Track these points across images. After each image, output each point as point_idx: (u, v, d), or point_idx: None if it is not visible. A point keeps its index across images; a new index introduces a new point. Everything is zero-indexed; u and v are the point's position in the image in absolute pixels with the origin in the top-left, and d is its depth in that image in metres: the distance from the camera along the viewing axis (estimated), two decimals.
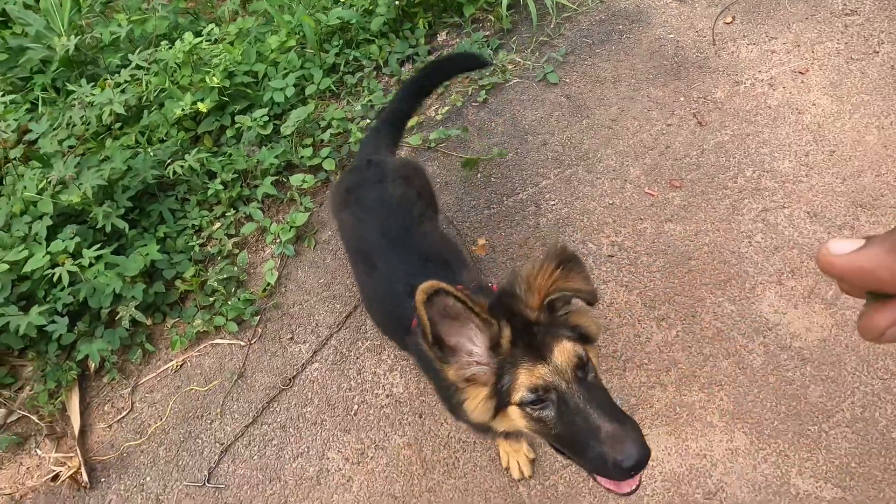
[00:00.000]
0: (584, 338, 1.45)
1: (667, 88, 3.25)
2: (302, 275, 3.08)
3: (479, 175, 3.20)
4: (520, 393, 1.36)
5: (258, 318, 2.97)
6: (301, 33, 3.82)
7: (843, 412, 2.25)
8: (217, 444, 2.68)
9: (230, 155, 3.37)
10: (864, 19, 3.24)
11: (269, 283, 3.03)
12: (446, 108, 3.47)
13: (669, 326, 2.55)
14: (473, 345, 1.39)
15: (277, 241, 3.14)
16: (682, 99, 3.19)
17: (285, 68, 3.70)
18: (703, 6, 3.54)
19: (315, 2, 3.99)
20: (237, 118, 3.49)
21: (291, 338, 2.90)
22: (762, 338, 2.45)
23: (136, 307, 2.87)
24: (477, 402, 1.41)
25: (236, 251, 3.17)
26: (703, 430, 2.30)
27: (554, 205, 3.00)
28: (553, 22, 3.68)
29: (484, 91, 3.48)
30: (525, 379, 1.35)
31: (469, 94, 3.52)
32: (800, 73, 3.13)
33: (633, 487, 1.38)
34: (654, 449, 2.30)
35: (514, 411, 1.40)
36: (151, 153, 3.33)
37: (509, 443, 2.23)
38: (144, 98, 3.56)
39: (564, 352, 1.36)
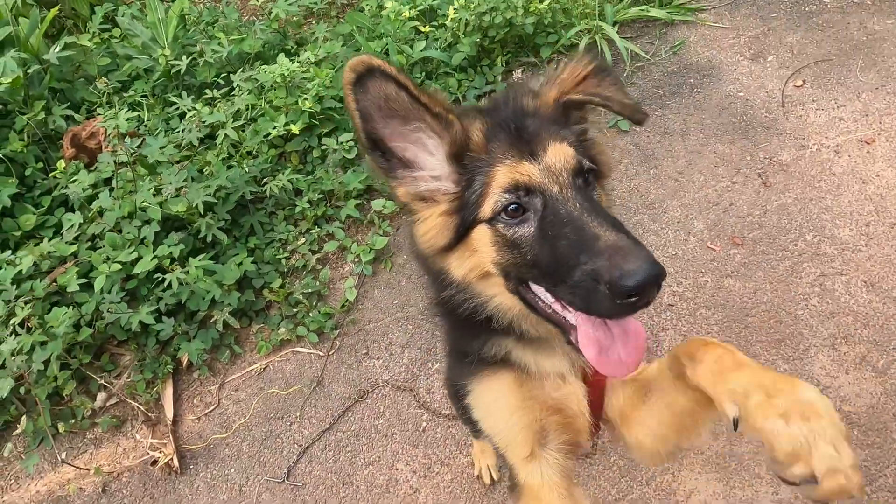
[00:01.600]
0: (596, 167, 1.20)
1: (734, 146, 3.41)
2: (378, 294, 3.34)
3: None
4: (493, 197, 1.06)
5: (337, 331, 3.23)
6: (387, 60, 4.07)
7: (885, 477, 2.40)
8: (296, 445, 2.95)
9: (318, 175, 3.65)
10: None
11: (347, 300, 3.30)
12: None
13: None
14: (429, 154, 1.11)
15: (357, 260, 3.41)
16: (748, 158, 3.35)
17: None
18: (774, 67, 3.69)
19: (401, 34, 4.25)
20: (324, 140, 3.77)
21: (366, 353, 3.16)
22: None
23: (229, 312, 3.16)
24: (432, 222, 1.12)
25: (319, 266, 3.44)
26: (750, 481, 2.48)
27: None
28: (627, 70, 3.86)
29: None
30: (504, 177, 1.06)
31: None
32: (866, 142, 3.26)
33: (627, 367, 1.02)
34: (702, 493, 2.49)
35: (481, 235, 1.09)
36: (246, 168, 3.63)
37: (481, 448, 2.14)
38: (243, 116, 3.87)
39: (561, 152, 1.08)
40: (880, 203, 3.06)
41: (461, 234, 1.10)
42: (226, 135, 3.41)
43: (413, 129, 1.08)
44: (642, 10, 4.07)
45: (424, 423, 2.90)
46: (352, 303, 3.30)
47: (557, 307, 1.07)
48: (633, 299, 0.92)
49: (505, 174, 1.05)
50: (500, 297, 1.16)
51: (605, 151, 1.26)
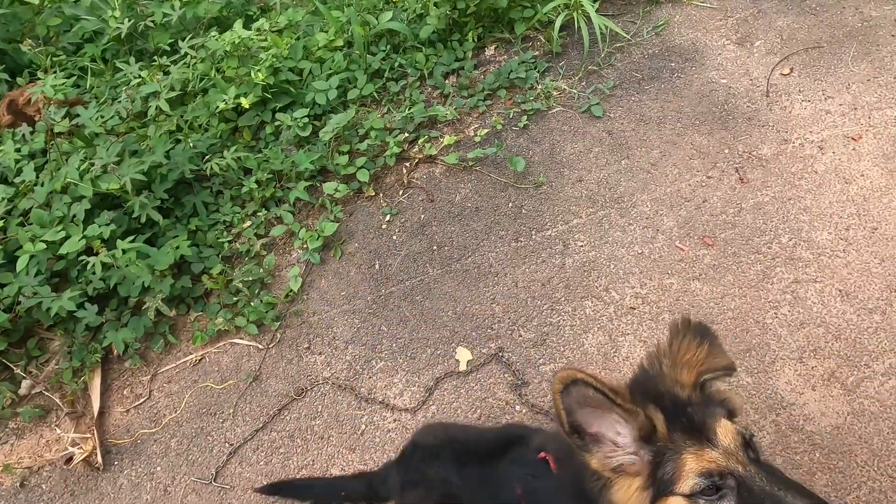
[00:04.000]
0: (730, 414, 1.38)
1: (712, 137, 3.18)
2: (325, 284, 3.13)
3: (510, 204, 3.19)
4: (689, 481, 1.26)
5: (278, 323, 3.03)
6: (349, 32, 3.79)
7: None
8: (227, 445, 2.77)
9: (266, 154, 3.40)
10: None
11: (292, 290, 3.09)
12: (486, 129, 3.45)
13: None
14: (618, 434, 1.33)
15: (305, 247, 3.19)
16: (726, 151, 3.12)
17: (330, 68, 3.70)
18: (761, 53, 3.44)
19: (366, 3, 3.96)
20: (278, 115, 3.52)
21: (308, 347, 2.96)
22: (775, 415, 2.44)
23: (162, 299, 2.95)
24: (630, 494, 1.32)
25: (264, 252, 3.22)
26: None
27: (582, 246, 2.99)
28: (604, 51, 3.60)
29: (525, 116, 3.45)
30: (694, 465, 1.26)
31: (511, 116, 3.49)
32: (852, 138, 3.04)
33: None
34: None
35: (676, 502, 1.29)
36: (191, 144, 3.38)
37: None
38: (190, 86, 3.60)
39: (728, 432, 1.29)
40: (863, 205, 2.85)
41: (656, 500, 1.29)
42: (158, 107, 3.14)
43: (605, 417, 1.30)
44: None
45: (363, 426, 2.71)
46: (296, 293, 3.09)
47: None
48: None
49: (694, 462, 1.25)
50: None
51: (734, 395, 1.42)
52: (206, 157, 3.28)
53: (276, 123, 3.54)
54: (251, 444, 2.76)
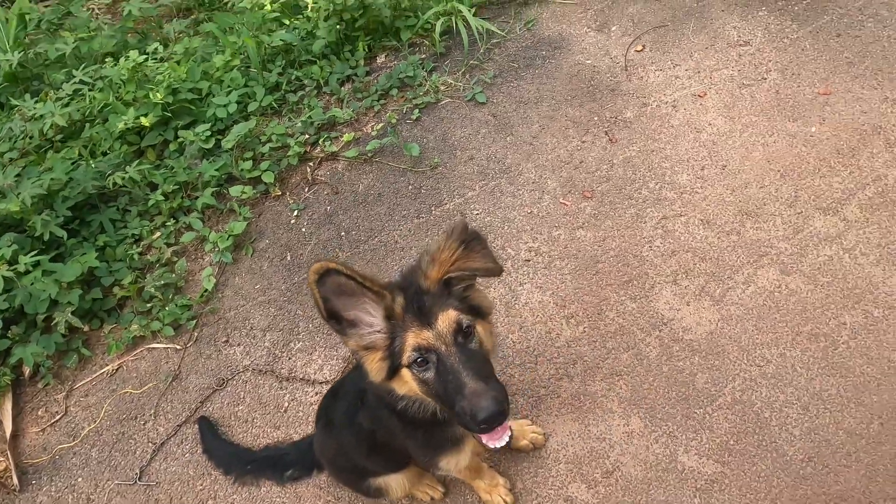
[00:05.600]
0: (478, 312, 1.65)
1: (583, 109, 3.54)
2: (239, 281, 3.22)
3: (409, 187, 3.41)
4: (407, 353, 1.55)
5: (195, 322, 3.08)
6: (246, 54, 3.99)
7: (724, 396, 2.50)
8: (150, 444, 2.77)
9: (172, 167, 3.50)
10: (755, 49, 3.62)
11: (206, 290, 3.15)
12: (381, 124, 3.69)
13: (577, 323, 2.79)
14: (371, 316, 1.56)
15: (216, 249, 3.27)
16: (595, 118, 3.49)
17: (229, 86, 3.87)
18: (617, 35, 3.88)
19: (260, 24, 4.19)
20: (180, 133, 3.63)
21: (227, 340, 3.02)
22: (658, 332, 2.70)
23: (72, 313, 2.95)
24: (375, 364, 1.59)
25: (175, 259, 3.28)
26: (603, 416, 2.52)
27: (478, 214, 3.23)
28: (483, 48, 3.96)
29: (417, 109, 3.72)
30: (412, 340, 1.54)
31: (404, 111, 3.75)
32: (699, 96, 3.47)
33: (500, 444, 1.59)
34: (559, 434, 2.51)
35: (406, 374, 1.59)
36: (94, 165, 3.43)
37: (485, 482, 2.34)
38: (88, 112, 3.67)
39: (447, 319, 1.55)
40: (713, 148, 3.24)
41: (393, 371, 1.59)
42: (55, 125, 3.20)
43: (359, 301, 1.54)
44: None
45: (287, 404, 2.79)
46: (211, 292, 3.16)
47: None
48: (485, 426, 1.50)
49: (412, 338, 1.54)
50: (433, 402, 1.66)
51: (485, 298, 1.72)
52: (110, 174, 3.34)
53: (180, 140, 3.66)
54: (175, 439, 2.77)
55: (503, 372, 2.69)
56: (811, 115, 3.27)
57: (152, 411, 2.86)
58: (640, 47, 3.79)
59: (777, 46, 3.60)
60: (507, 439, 1.59)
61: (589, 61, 3.79)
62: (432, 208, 3.30)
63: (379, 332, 1.58)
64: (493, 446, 1.60)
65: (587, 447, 2.47)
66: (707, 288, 2.79)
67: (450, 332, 1.55)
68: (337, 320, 1.55)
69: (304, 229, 3.36)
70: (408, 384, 1.62)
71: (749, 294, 2.75)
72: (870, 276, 2.71)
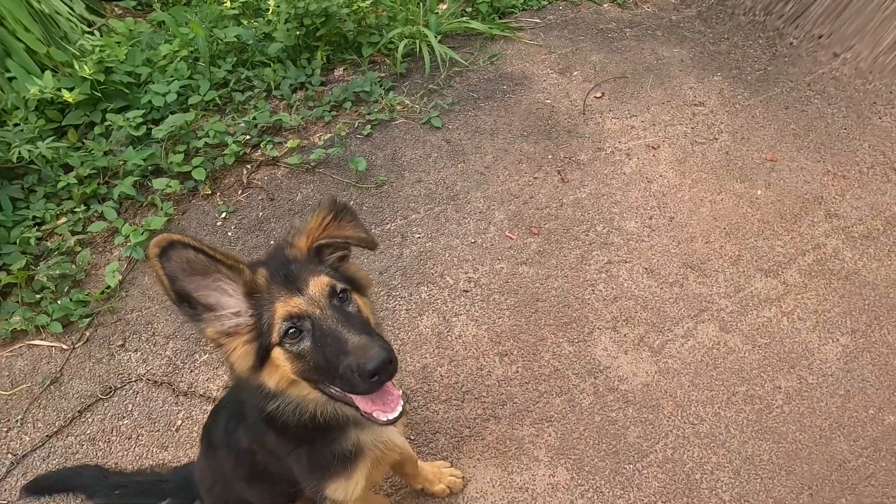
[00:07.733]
0: (354, 284, 1.50)
1: (538, 146, 3.48)
2: (148, 281, 2.90)
3: (351, 202, 3.21)
4: (277, 325, 1.34)
5: (89, 320, 2.74)
6: (196, 47, 3.77)
7: (655, 453, 2.37)
8: (9, 455, 2.38)
9: (91, 150, 3.19)
10: (709, 111, 3.68)
11: (108, 286, 2.82)
12: (329, 135, 3.51)
13: (511, 362, 2.62)
14: (229, 296, 1.35)
15: (127, 243, 2.96)
16: (550, 156, 3.42)
17: (172, 76, 3.62)
18: (579, 80, 3.89)
19: (216, 19, 3.99)
20: (109, 116, 3.34)
21: (122, 344, 2.69)
22: (593, 379, 2.57)
23: None
24: (239, 351, 1.37)
25: (79, 249, 2.94)
26: (528, 464, 2.33)
27: (419, 238, 3.06)
28: (444, 74, 3.88)
29: (370, 125, 3.57)
30: (282, 310, 1.35)
31: (355, 126, 3.59)
32: (653, 147, 3.47)
33: (395, 415, 1.38)
34: (479, 481, 2.30)
35: (278, 355, 1.37)
36: (0, 135, 3.08)
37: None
38: None
39: (319, 283, 1.38)
40: (662, 199, 3.22)
41: (263, 355, 1.37)
42: None
43: (213, 280, 1.32)
44: (464, 22, 4.17)
45: (180, 422, 2.47)
46: (114, 289, 2.83)
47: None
48: (375, 378, 1.27)
49: (282, 307, 1.35)
50: (310, 395, 1.45)
51: (360, 270, 1.57)
52: (16, 145, 3.00)
53: (108, 124, 3.36)
54: (41, 451, 2.39)
55: (425, 407, 2.48)
56: (757, 179, 3.32)
57: (19, 417, 2.48)
58: (599, 94, 3.80)
59: (730, 111, 3.68)
60: (400, 410, 1.39)
61: (549, 101, 3.76)
62: (373, 227, 3.11)
63: (241, 313, 1.37)
64: (385, 420, 1.39)
65: (508, 497, 2.26)
66: (646, 338, 2.69)
67: (323, 296, 1.37)
68: (189, 304, 1.32)
69: (230, 233, 3.09)
70: (280, 369, 1.39)
71: (688, 348, 2.66)
72: (806, 341, 2.68)
